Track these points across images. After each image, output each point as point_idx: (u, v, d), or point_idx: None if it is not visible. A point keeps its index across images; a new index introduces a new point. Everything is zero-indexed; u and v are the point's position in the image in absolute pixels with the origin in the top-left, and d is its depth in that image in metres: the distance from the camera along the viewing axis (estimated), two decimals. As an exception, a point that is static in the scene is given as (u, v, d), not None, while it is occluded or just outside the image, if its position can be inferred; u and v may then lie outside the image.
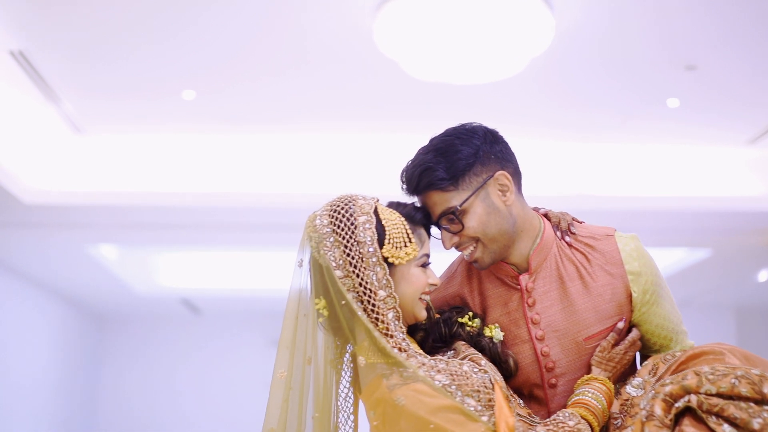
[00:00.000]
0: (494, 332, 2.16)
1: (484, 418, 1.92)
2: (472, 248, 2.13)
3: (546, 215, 2.28)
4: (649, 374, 2.10)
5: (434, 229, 2.15)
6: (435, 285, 2.11)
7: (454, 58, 4.87)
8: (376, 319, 2.01)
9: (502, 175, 2.11)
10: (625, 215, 6.53)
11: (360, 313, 2.01)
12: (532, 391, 2.18)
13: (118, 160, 6.47)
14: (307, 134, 6.36)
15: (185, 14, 4.72)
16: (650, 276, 2.20)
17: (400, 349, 2.00)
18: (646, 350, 2.26)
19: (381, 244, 2.03)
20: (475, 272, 2.26)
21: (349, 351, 2.10)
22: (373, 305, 2.01)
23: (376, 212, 2.06)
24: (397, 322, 2.03)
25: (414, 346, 2.06)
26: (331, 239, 2.03)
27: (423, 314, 2.10)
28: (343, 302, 2.02)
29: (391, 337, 2.01)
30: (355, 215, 2.04)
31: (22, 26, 4.82)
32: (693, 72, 5.34)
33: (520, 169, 2.19)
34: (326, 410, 2.07)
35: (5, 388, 8.59)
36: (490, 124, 2.19)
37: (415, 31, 4.67)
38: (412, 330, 2.17)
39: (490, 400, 1.95)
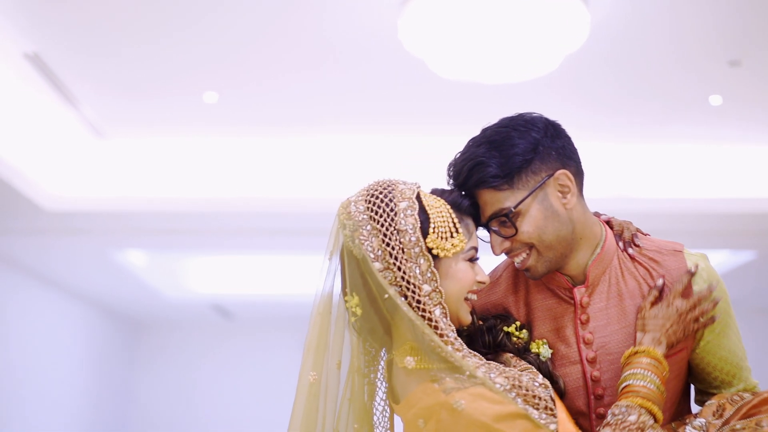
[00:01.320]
0: (542, 349, 1.94)
1: (552, 426, 1.74)
2: (524, 255, 1.92)
3: (608, 222, 2.04)
4: (714, 416, 1.89)
5: (483, 232, 1.95)
6: (484, 283, 1.90)
7: (483, 56, 4.69)
8: (423, 316, 1.80)
9: (564, 175, 1.90)
10: (666, 217, 6.39)
11: (405, 308, 1.79)
12: (576, 421, 1.91)
13: (142, 164, 6.40)
14: (333, 136, 6.26)
15: (208, 14, 4.63)
16: (721, 301, 1.96)
17: (454, 348, 1.80)
18: (704, 385, 2.01)
19: (424, 234, 1.82)
20: (522, 280, 2.04)
21: (384, 358, 1.91)
22: (418, 301, 1.80)
23: (418, 198, 1.85)
24: (445, 320, 1.82)
25: (467, 349, 1.85)
26: (368, 227, 1.83)
27: (468, 318, 1.89)
28: (386, 296, 1.80)
29: (442, 336, 1.80)
30: (395, 200, 1.84)
31: (38, 28, 4.73)
32: (737, 68, 5.17)
33: (583, 168, 1.98)
34: (365, 423, 1.90)
35: (36, 395, 8.56)
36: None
37: (442, 28, 4.49)
38: None
39: (551, 411, 1.77)
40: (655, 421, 1.81)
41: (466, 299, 1.89)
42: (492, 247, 1.94)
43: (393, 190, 1.86)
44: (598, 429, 1.85)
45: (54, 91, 5.46)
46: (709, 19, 4.68)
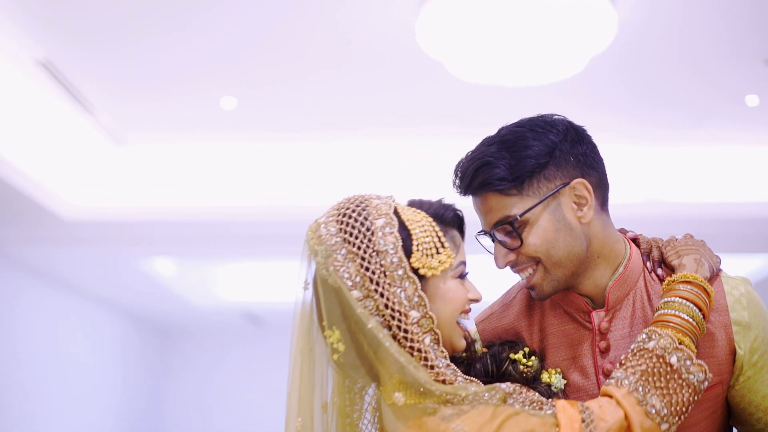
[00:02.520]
0: (554, 379, 1.74)
1: (549, 411, 1.58)
2: (531, 271, 1.74)
3: (635, 240, 1.82)
4: None
5: (488, 241, 1.77)
6: (476, 300, 1.71)
7: (504, 58, 4.54)
8: (411, 348, 1.61)
9: (581, 184, 1.71)
10: (700, 223, 6.18)
11: (388, 343, 1.60)
12: None
13: (163, 171, 6.32)
14: (355, 141, 6.18)
15: (225, 17, 4.53)
16: (763, 331, 1.74)
17: (444, 382, 1.61)
18: (747, 428, 1.80)
19: (408, 253, 1.63)
20: (538, 303, 1.85)
21: (370, 394, 1.71)
22: (405, 330, 1.61)
23: (396, 213, 1.67)
24: (436, 347, 1.63)
25: (462, 376, 1.65)
26: (343, 251, 1.62)
27: (462, 342, 1.71)
28: (369, 327, 1.61)
29: (432, 368, 1.61)
30: (370, 218, 1.64)
31: (51, 34, 4.65)
32: (773, 66, 5.03)
33: (608, 180, 1.78)
34: None
35: (68, 404, 8.51)
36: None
37: (461, 29, 4.35)
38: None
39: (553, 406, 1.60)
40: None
41: (458, 323, 1.70)
42: (495, 258, 1.75)
43: (367, 206, 1.66)
44: (618, 362, 1.66)
45: (69, 98, 5.40)
46: (743, 15, 4.53)
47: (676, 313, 1.64)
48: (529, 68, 4.66)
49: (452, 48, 4.49)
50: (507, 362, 1.73)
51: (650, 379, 1.58)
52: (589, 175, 1.73)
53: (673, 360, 1.59)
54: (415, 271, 1.63)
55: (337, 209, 1.68)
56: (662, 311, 1.66)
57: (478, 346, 1.80)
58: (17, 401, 7.38)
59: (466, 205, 1.78)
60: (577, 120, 1.81)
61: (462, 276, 1.70)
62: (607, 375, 1.73)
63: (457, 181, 1.74)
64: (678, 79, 5.22)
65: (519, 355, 1.74)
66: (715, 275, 1.76)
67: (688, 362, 1.60)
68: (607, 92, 5.35)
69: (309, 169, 6.27)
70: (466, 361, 1.75)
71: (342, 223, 1.65)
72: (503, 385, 1.60)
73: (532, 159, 1.69)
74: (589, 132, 1.80)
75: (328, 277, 1.63)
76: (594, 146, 1.77)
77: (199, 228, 6.61)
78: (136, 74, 5.15)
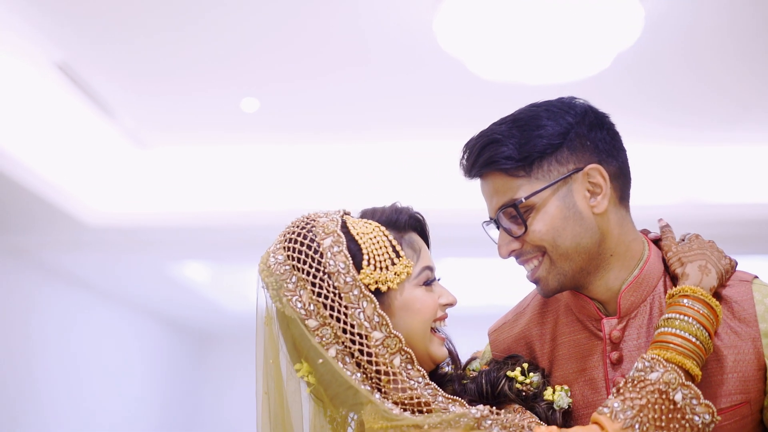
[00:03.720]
0: (557, 396, 1.59)
1: None
2: (536, 262, 1.61)
3: (657, 241, 1.65)
4: None
5: (495, 232, 1.65)
6: (450, 304, 1.61)
7: (526, 55, 4.45)
8: (378, 372, 1.51)
9: (596, 170, 1.58)
10: (735, 225, 6.09)
11: (348, 374, 1.50)
12: None
13: (188, 174, 6.26)
14: (378, 143, 6.13)
15: (247, 19, 4.47)
16: None
17: (420, 404, 1.49)
18: None
19: (359, 269, 1.54)
20: (552, 309, 1.71)
21: (354, 419, 1.59)
22: (369, 354, 1.51)
23: (344, 228, 1.57)
24: (410, 367, 1.53)
25: (444, 396, 1.54)
26: (293, 279, 1.53)
27: (442, 352, 1.60)
28: (321, 361, 1.52)
29: (404, 390, 1.50)
30: (317, 239, 1.55)
31: (70, 37, 4.62)
32: (810, 63, 4.90)
33: (630, 173, 1.66)
34: None
35: (103, 410, 8.47)
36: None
37: (481, 26, 4.25)
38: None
39: None
40: (691, 378, 1.47)
41: (434, 330, 1.59)
42: (498, 247, 1.62)
43: (313, 227, 1.57)
44: (606, 400, 1.50)
45: (91, 102, 5.37)
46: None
47: (677, 332, 1.48)
48: (552, 65, 4.57)
49: (472, 45, 4.40)
50: (503, 381, 1.59)
51: (649, 415, 1.43)
52: (607, 163, 1.59)
53: (678, 397, 1.44)
54: (371, 288, 1.52)
55: (284, 235, 1.58)
56: (662, 329, 1.51)
57: (477, 364, 1.67)
58: (49, 409, 7.35)
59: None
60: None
61: (428, 282, 1.58)
62: None
63: (464, 160, 1.62)
64: (708, 77, 5.09)
65: (516, 372, 1.60)
66: (745, 281, 1.59)
67: (695, 401, 1.44)
68: (633, 90, 5.22)
69: (337, 172, 6.22)
70: (459, 379, 1.62)
71: (288, 249, 1.55)
72: (473, 410, 1.46)
73: (544, 139, 1.57)
74: (617, 130, 1.66)
75: (283, 309, 1.54)
76: (616, 134, 1.64)
77: (230, 232, 6.56)
78: (157, 76, 5.10)
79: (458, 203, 5.33)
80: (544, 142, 1.56)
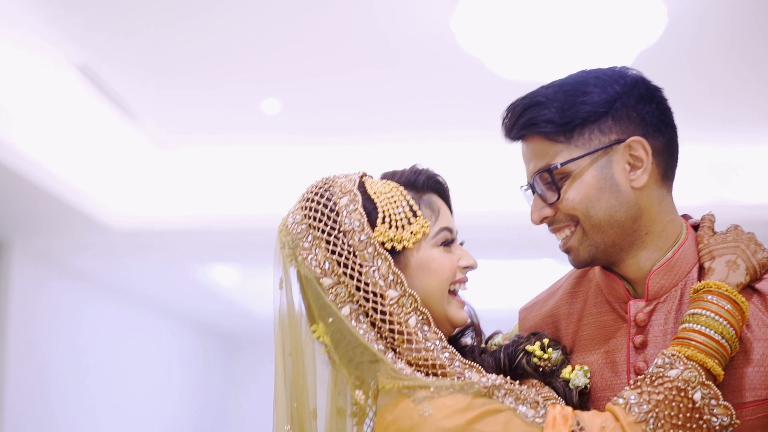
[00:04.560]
0: (573, 376, 1.55)
1: (539, 419, 1.40)
2: (568, 232, 1.56)
3: (696, 227, 1.62)
4: None
5: (529, 196, 1.61)
6: (470, 266, 1.57)
7: (545, 53, 4.38)
8: (391, 331, 1.48)
9: (638, 143, 1.52)
10: (760, 225, 5.90)
11: (361, 331, 1.48)
12: None
13: (213, 176, 6.25)
14: (398, 144, 6.06)
15: (267, 24, 4.48)
16: None
17: (435, 366, 1.47)
18: None
19: (374, 227, 1.52)
20: (583, 290, 1.66)
21: (373, 387, 1.54)
22: (383, 313, 1.49)
23: (362, 187, 1.56)
24: (427, 328, 1.50)
25: (461, 361, 1.50)
26: (309, 238, 1.53)
27: (461, 315, 1.56)
28: (331, 320, 1.50)
29: (419, 351, 1.47)
30: (334, 198, 1.54)
31: (90, 39, 4.63)
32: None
33: (678, 153, 1.60)
34: None
35: (132, 414, 8.48)
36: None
37: (500, 23, 4.22)
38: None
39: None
40: (712, 377, 1.42)
41: (454, 292, 1.56)
42: (531, 212, 1.58)
43: (331, 186, 1.56)
44: (622, 391, 1.45)
45: (112, 105, 5.37)
46: (804, 6, 4.36)
47: (701, 329, 1.42)
48: (573, 63, 4.30)
49: (491, 44, 4.36)
50: (521, 355, 1.56)
51: (665, 412, 1.38)
52: (652, 138, 1.53)
53: (697, 396, 1.39)
54: (386, 246, 1.51)
55: (303, 195, 1.58)
56: (686, 325, 1.45)
57: (499, 339, 1.64)
58: (80, 412, 7.37)
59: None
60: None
61: (447, 243, 1.55)
62: (639, 374, 1.51)
63: (506, 120, 1.57)
64: (732, 77, 5.04)
65: (535, 347, 1.56)
66: (762, 274, 1.52)
67: (713, 402, 1.40)
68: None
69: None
70: (479, 352, 1.59)
71: (306, 209, 1.55)
72: (483, 379, 1.44)
73: (588, 106, 1.51)
74: None
75: (301, 268, 1.53)
76: (667, 110, 1.58)
77: (256, 234, 6.53)
78: (178, 77, 5.10)
79: (477, 204, 5.28)
80: (588, 109, 1.51)
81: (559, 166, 1.52)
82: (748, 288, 1.51)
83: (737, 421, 1.40)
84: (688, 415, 1.38)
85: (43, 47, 4.67)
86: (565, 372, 1.55)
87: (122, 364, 8.24)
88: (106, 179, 5.84)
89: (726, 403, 1.40)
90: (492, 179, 5.57)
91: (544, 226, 1.60)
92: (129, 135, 5.80)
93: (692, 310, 1.46)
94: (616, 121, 1.52)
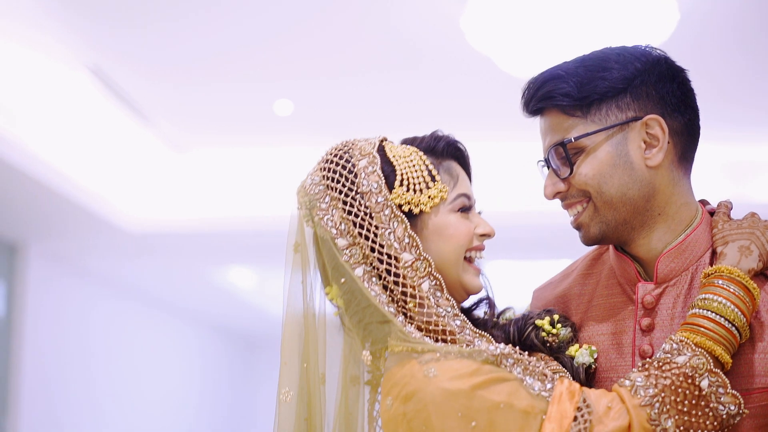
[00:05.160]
0: (578, 354, 1.53)
1: (545, 392, 1.37)
2: (580, 209, 1.54)
3: (713, 213, 1.60)
4: None
5: (545, 170, 1.59)
6: (487, 234, 1.56)
7: (556, 51, 4.23)
8: (404, 294, 1.47)
9: (655, 121, 1.50)
10: None
11: (372, 293, 1.46)
12: None
13: (228, 177, 6.20)
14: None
15: (278, 25, 4.45)
16: None
17: (446, 332, 1.45)
18: None
19: (392, 189, 1.51)
20: (596, 272, 1.65)
21: (381, 350, 1.52)
22: (396, 276, 1.47)
23: (381, 150, 1.54)
24: (440, 294, 1.48)
25: (471, 329, 1.49)
26: (327, 199, 1.52)
27: (476, 282, 1.55)
28: (343, 280, 1.49)
29: (430, 317, 1.46)
30: (353, 160, 1.53)
31: (99, 39, 4.59)
32: None
33: (698, 135, 1.57)
34: None
35: (151, 416, 8.50)
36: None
37: (510, 21, 4.13)
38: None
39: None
40: (720, 365, 1.39)
41: (470, 260, 1.54)
42: (544, 187, 1.56)
43: (351, 149, 1.54)
44: (629, 372, 1.42)
45: (125, 107, 5.35)
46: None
47: (710, 315, 1.39)
48: None
49: (501, 42, 4.26)
50: (530, 328, 1.55)
51: (671, 398, 1.35)
52: (671, 117, 1.51)
53: (704, 384, 1.36)
54: (403, 209, 1.49)
55: (322, 157, 1.57)
56: (695, 310, 1.42)
57: (511, 313, 1.63)
58: (91, 415, 7.36)
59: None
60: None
61: (465, 209, 1.54)
62: (644, 356, 1.50)
63: (525, 93, 1.56)
64: (743, 74, 4.94)
65: (544, 321, 1.55)
66: None
67: (721, 390, 1.37)
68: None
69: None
70: (490, 326, 1.57)
71: (325, 170, 1.54)
72: (492, 347, 1.41)
73: (606, 81, 1.49)
74: None
75: (317, 229, 1.52)
76: (689, 91, 1.55)
77: (274, 236, 6.48)
78: (190, 78, 5.05)
79: (486, 204, 5.24)
80: (606, 85, 1.49)
81: (573, 140, 1.50)
82: (761, 275, 1.48)
83: (746, 411, 1.37)
84: (694, 402, 1.35)
85: (55, 48, 4.65)
86: (572, 350, 1.54)
87: (136, 366, 8.23)
88: (120, 181, 5.82)
89: (734, 391, 1.37)
90: (503, 177, 5.50)
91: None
92: (142, 136, 5.77)
93: (702, 295, 1.42)
94: (634, 98, 1.50)
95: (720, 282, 1.42)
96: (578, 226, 1.55)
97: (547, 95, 1.51)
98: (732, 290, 1.41)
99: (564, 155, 1.51)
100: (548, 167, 1.55)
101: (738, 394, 1.37)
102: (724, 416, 1.36)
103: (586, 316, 1.60)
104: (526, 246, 6.51)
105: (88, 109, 5.24)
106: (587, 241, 1.56)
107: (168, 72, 4.96)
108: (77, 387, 7.07)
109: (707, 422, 1.35)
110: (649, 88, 1.51)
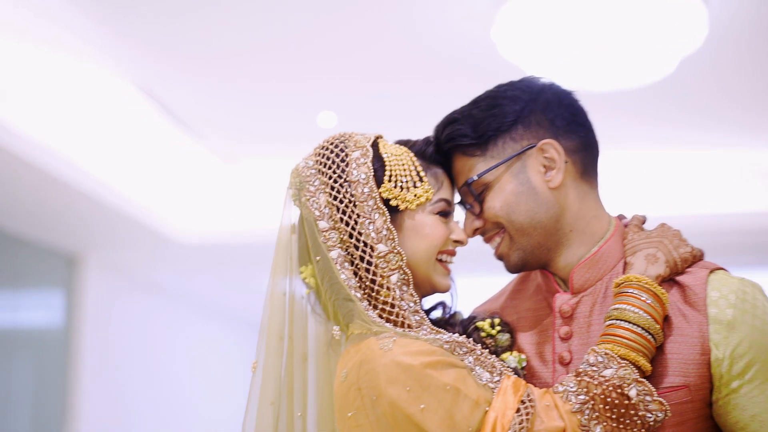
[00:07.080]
0: (508, 360, 1.56)
1: (492, 385, 1.42)
2: (498, 239, 1.60)
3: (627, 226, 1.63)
4: None
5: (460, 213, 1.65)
6: (460, 242, 1.60)
7: (587, 61, 4.23)
8: (372, 282, 1.52)
9: (549, 145, 1.56)
10: None
11: (343, 275, 1.51)
12: None
13: (277, 188, 6.09)
14: None
15: (325, 48, 4.49)
16: (753, 336, 1.45)
17: (403, 325, 1.51)
18: None
19: (379, 183, 1.56)
20: (526, 288, 1.69)
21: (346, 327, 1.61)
22: (369, 264, 1.52)
23: (375, 146, 1.60)
24: (405, 288, 1.53)
25: (430, 327, 1.53)
26: (316, 182, 1.57)
27: (445, 282, 1.60)
28: (318, 258, 1.55)
29: (393, 306, 1.51)
30: (347, 150, 1.58)
31: (147, 56, 4.61)
32: None
33: (597, 148, 1.62)
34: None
35: (206, 419, 8.50)
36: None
37: (541, 30, 4.08)
38: None
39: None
40: (642, 373, 1.42)
41: (442, 261, 1.59)
42: (463, 227, 1.62)
43: (347, 140, 1.60)
44: (563, 378, 1.47)
45: (174, 121, 5.38)
46: None
47: (627, 325, 1.42)
48: (615, 71, 4.33)
49: (532, 52, 4.21)
50: (472, 329, 1.60)
51: (601, 406, 1.39)
52: (565, 138, 1.57)
53: (633, 393, 1.40)
54: (387, 203, 1.54)
55: (320, 144, 1.62)
56: (613, 321, 1.46)
57: (459, 317, 1.67)
58: (153, 422, 7.42)
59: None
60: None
61: (444, 214, 1.59)
62: (563, 363, 1.55)
63: (433, 142, 1.63)
64: None
65: (485, 324, 1.60)
66: (705, 269, 1.50)
67: (648, 398, 1.40)
68: (700, 95, 4.98)
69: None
70: (442, 326, 1.61)
71: (319, 155, 1.59)
72: (446, 336, 1.46)
73: (497, 118, 1.56)
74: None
75: (302, 209, 1.58)
76: (579, 111, 1.61)
77: None
78: (239, 91, 5.07)
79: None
80: (498, 121, 1.56)
81: (476, 178, 1.56)
82: (670, 280, 1.52)
83: (670, 413, 1.39)
84: (623, 411, 1.38)
85: (107, 64, 4.71)
86: (504, 356, 1.57)
87: (194, 374, 8.28)
88: (171, 194, 5.88)
89: (660, 398, 1.40)
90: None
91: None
92: (193, 150, 5.83)
93: (616, 306, 1.46)
94: (526, 127, 1.56)
95: (631, 291, 1.46)
96: (500, 257, 1.61)
97: (450, 138, 1.58)
98: (643, 299, 1.45)
99: (471, 193, 1.57)
100: (463, 208, 1.62)
101: (664, 401, 1.40)
102: (651, 422, 1.39)
103: (516, 328, 1.65)
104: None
105: (140, 126, 5.32)
106: (511, 270, 1.61)
107: (216, 86, 5.00)
108: (135, 396, 7.15)
109: (635, 430, 1.39)
110: (537, 115, 1.57)
